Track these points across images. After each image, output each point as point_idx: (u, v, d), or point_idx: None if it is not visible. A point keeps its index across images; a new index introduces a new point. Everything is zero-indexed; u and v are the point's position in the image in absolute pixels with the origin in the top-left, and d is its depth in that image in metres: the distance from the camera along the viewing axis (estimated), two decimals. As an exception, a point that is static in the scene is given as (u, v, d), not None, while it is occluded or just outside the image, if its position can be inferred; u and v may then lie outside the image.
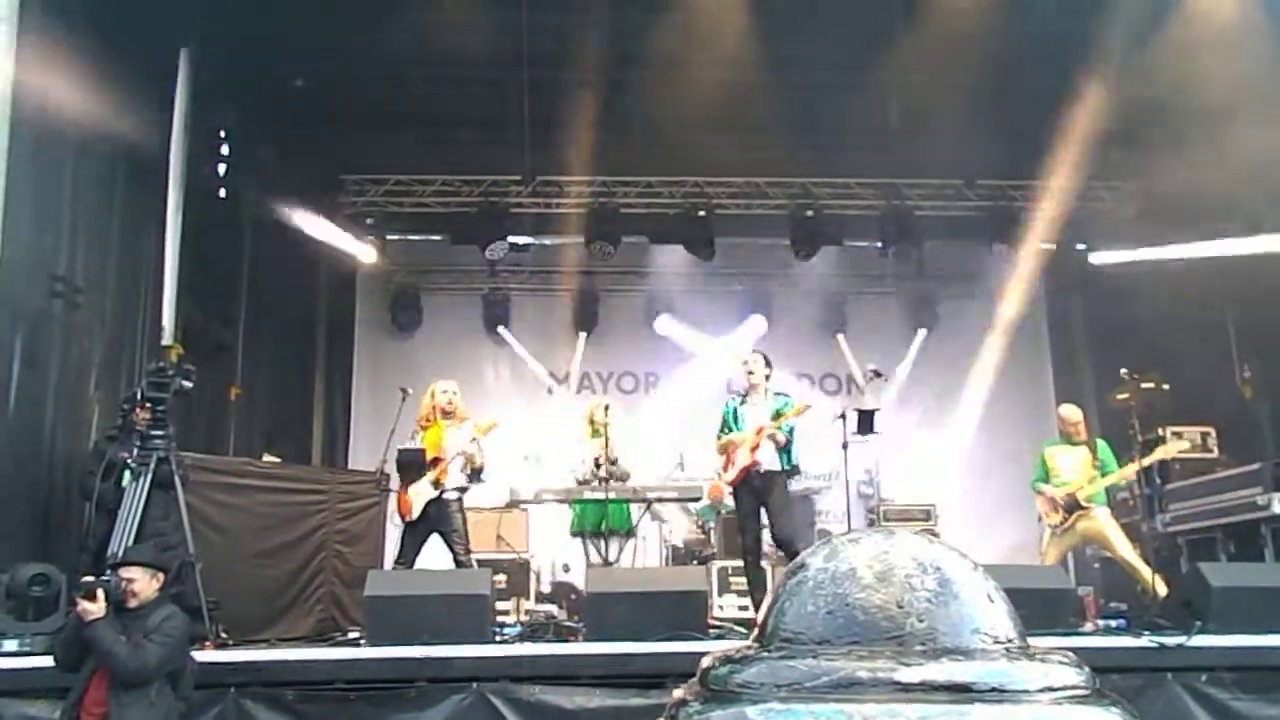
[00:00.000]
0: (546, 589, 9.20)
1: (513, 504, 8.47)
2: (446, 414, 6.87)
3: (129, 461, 5.39)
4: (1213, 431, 8.95)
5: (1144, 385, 9.20)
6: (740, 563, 7.21)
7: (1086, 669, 1.34)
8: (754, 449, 6.60)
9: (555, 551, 9.30)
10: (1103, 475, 7.43)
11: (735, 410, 6.89)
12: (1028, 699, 1.26)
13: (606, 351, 12.44)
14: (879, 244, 11.65)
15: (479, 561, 7.04)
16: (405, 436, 7.06)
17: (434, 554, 6.85)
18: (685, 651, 4.93)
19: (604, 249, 11.12)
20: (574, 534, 8.08)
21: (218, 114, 9.23)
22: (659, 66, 8.91)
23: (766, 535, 6.76)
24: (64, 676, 4.13)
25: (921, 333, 12.41)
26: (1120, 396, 9.03)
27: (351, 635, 6.39)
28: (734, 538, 7.70)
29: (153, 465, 5.29)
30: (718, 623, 7.01)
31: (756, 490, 6.63)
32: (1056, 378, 12.36)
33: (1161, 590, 6.58)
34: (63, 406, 6.77)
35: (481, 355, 12.26)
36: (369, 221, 11.28)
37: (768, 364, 6.95)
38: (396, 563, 6.75)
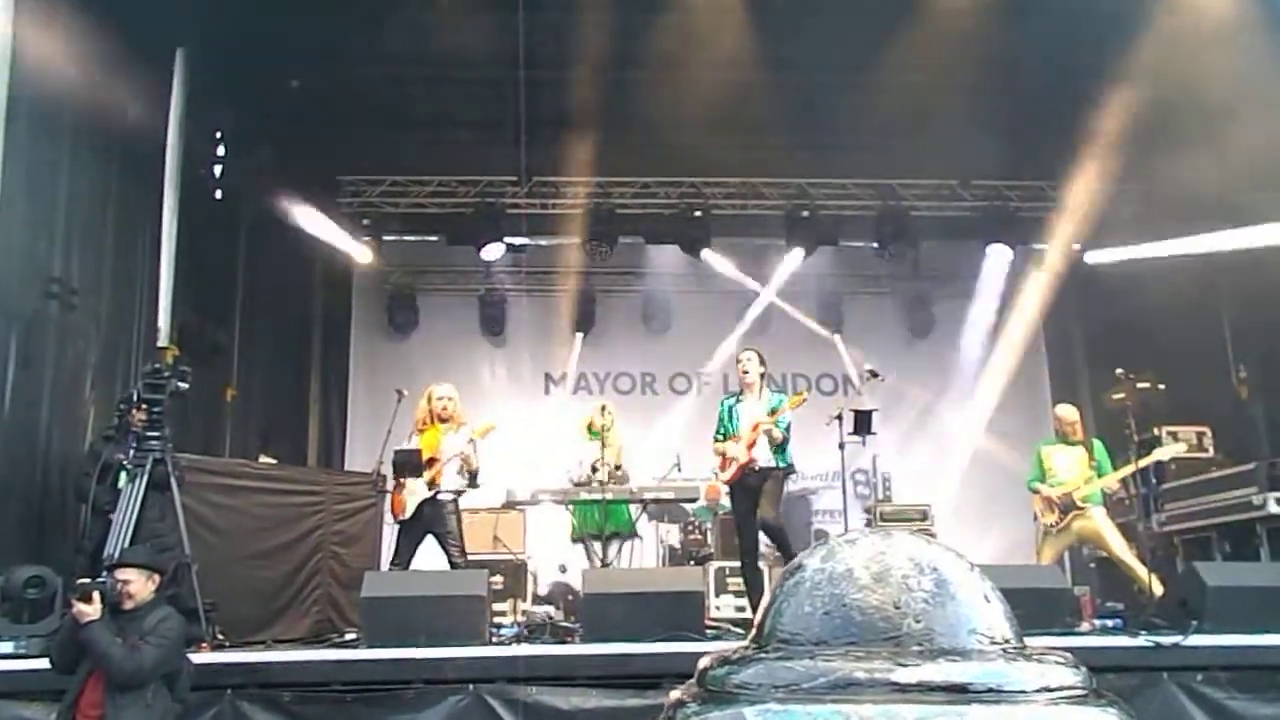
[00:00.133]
0: (543, 590, 9.19)
1: (510, 505, 8.46)
2: (443, 419, 6.85)
3: (125, 463, 5.38)
4: (1208, 431, 8.97)
5: (1140, 385, 9.20)
6: (737, 563, 7.21)
7: (1083, 669, 1.34)
8: (750, 445, 6.60)
9: (552, 552, 9.29)
10: (1099, 475, 7.44)
11: (731, 409, 6.88)
12: (1025, 699, 1.26)
13: (603, 352, 12.45)
14: (875, 244, 11.66)
15: (475, 563, 7.04)
16: (401, 438, 7.05)
17: (431, 555, 6.84)
18: (682, 652, 4.93)
19: (600, 250, 11.12)
20: (575, 540, 8.03)
21: (214, 114, 9.23)
22: (655, 67, 8.91)
23: (764, 536, 6.76)
24: (60, 679, 4.13)
25: (918, 333, 12.42)
26: (1116, 396, 9.04)
27: (348, 636, 6.38)
28: (731, 538, 7.70)
29: (149, 467, 5.29)
30: (715, 623, 7.02)
31: (752, 489, 6.61)
32: (1052, 377, 12.38)
33: (1157, 590, 6.60)
34: (58, 408, 6.76)
35: (477, 356, 12.26)
36: (365, 222, 11.27)
37: (762, 362, 6.94)
38: (392, 564, 6.74)
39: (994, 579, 1.43)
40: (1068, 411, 7.85)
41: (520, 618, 7.97)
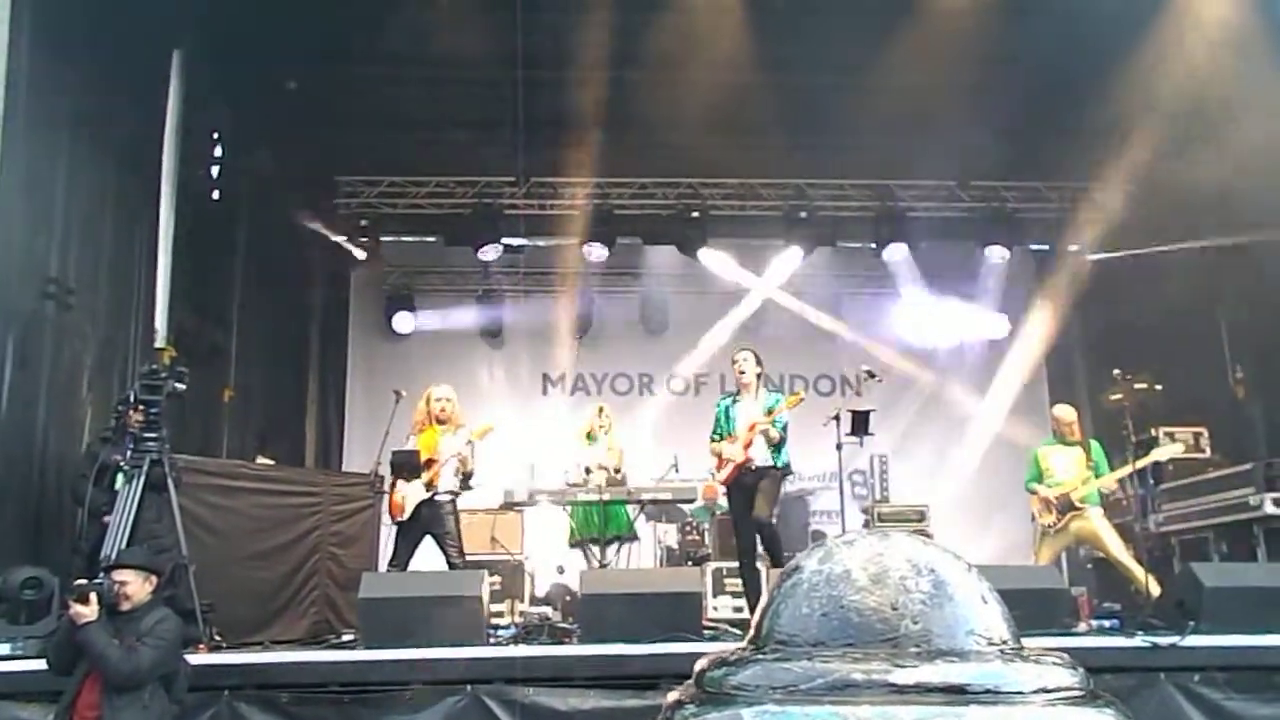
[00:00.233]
0: (541, 591, 9.19)
1: (507, 506, 8.45)
2: (441, 421, 6.85)
3: (122, 464, 5.37)
4: (1205, 432, 8.97)
5: (1137, 386, 9.22)
6: (735, 564, 7.21)
7: (1081, 670, 1.34)
8: (747, 445, 6.59)
9: (550, 553, 9.29)
10: (1096, 476, 7.45)
11: (727, 409, 6.88)
12: (1022, 700, 1.26)
13: (601, 353, 12.45)
14: (872, 245, 11.66)
15: (473, 563, 7.03)
16: (399, 439, 7.05)
17: (429, 556, 6.84)
18: (680, 653, 4.94)
19: (598, 250, 11.12)
20: (573, 545, 8.01)
21: (211, 115, 9.22)
22: (653, 68, 8.92)
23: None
24: (57, 680, 4.12)
25: (915, 334, 12.43)
26: (1113, 397, 9.05)
27: (346, 637, 6.37)
28: (729, 539, 7.70)
29: (146, 468, 5.28)
30: (712, 624, 7.03)
31: (749, 489, 6.61)
32: (1050, 378, 12.39)
33: (1154, 590, 6.61)
34: (55, 408, 6.75)
35: (475, 357, 12.26)
36: (363, 223, 11.28)
37: (759, 362, 6.93)
38: (390, 565, 6.73)
39: (991, 580, 1.43)
40: (1065, 412, 7.85)
41: (518, 618, 7.97)
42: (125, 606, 4.08)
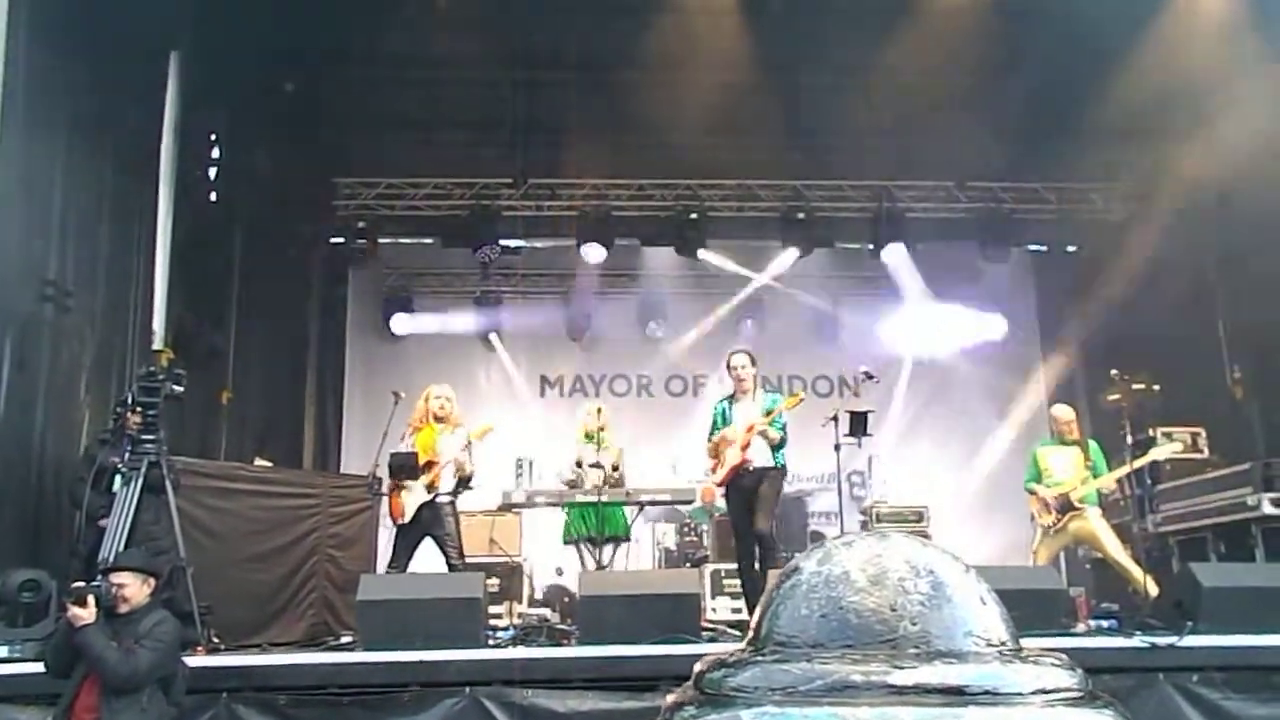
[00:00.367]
0: (540, 592, 9.19)
1: (505, 507, 8.45)
2: (439, 419, 6.84)
3: (120, 466, 5.36)
4: (1203, 432, 8.99)
5: (1135, 386, 9.23)
6: (733, 565, 7.20)
7: (1079, 671, 1.34)
8: (744, 447, 6.58)
9: (548, 555, 9.29)
10: (1094, 476, 7.45)
11: (725, 411, 6.87)
12: (1021, 701, 1.26)
13: (599, 354, 12.45)
14: (870, 245, 11.67)
15: (472, 565, 7.03)
16: (398, 440, 7.04)
17: (427, 558, 6.83)
18: (679, 654, 4.94)
19: (596, 252, 11.12)
20: (567, 542, 8.02)
21: (209, 116, 9.20)
22: (650, 69, 8.93)
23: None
24: (55, 683, 4.11)
25: (913, 335, 12.44)
26: (1111, 397, 9.06)
27: (344, 639, 6.37)
28: (727, 540, 7.70)
29: (144, 470, 5.27)
30: (711, 625, 7.02)
31: (747, 489, 6.60)
32: (1048, 378, 12.41)
33: (1153, 590, 6.61)
34: (53, 410, 6.74)
35: (473, 359, 12.26)
36: (361, 225, 11.27)
37: (754, 363, 6.92)
38: (389, 566, 6.72)
39: (990, 580, 1.43)
40: (1064, 412, 7.86)
41: (516, 620, 7.98)
42: (123, 609, 4.07)
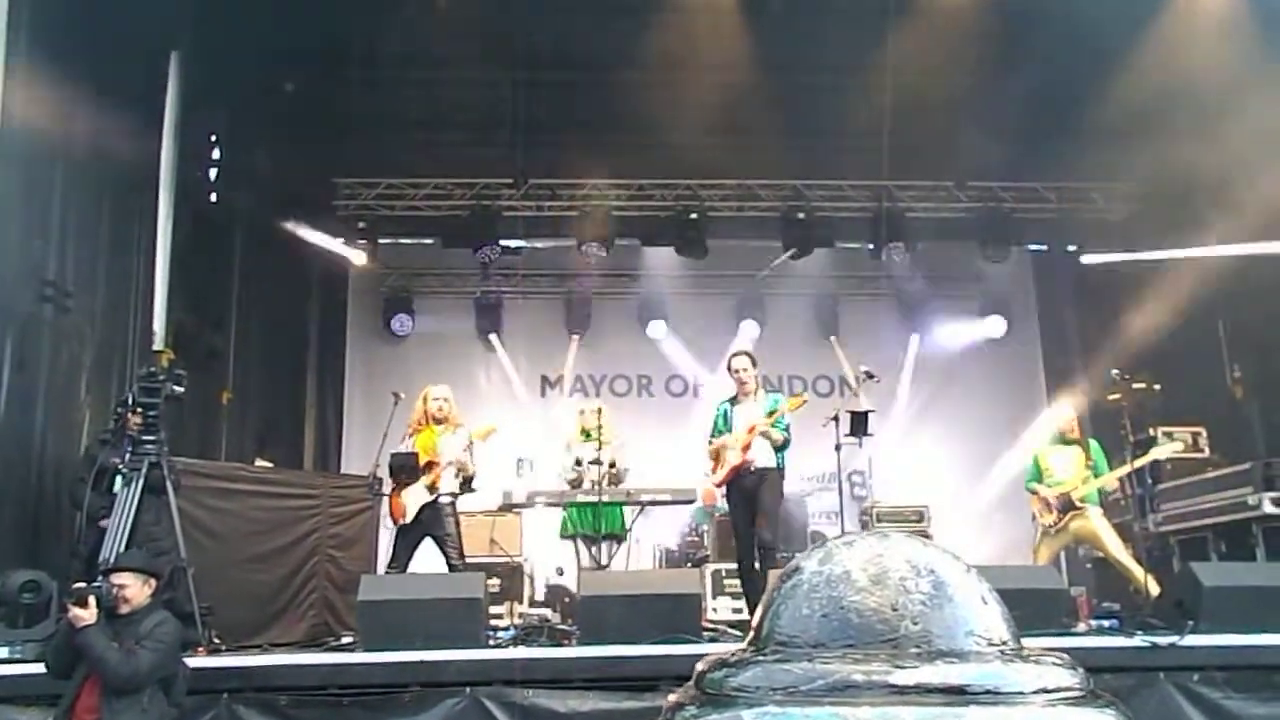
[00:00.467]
0: (540, 593, 9.18)
1: (506, 508, 8.45)
2: (438, 421, 6.84)
3: (120, 467, 5.37)
4: (1203, 431, 8.98)
5: (1135, 385, 9.22)
6: (734, 565, 7.20)
7: (1080, 670, 1.34)
8: (745, 448, 6.58)
9: (549, 555, 9.28)
10: (1095, 475, 7.45)
11: (726, 412, 6.86)
12: (1022, 701, 1.26)
13: (599, 354, 12.44)
14: (870, 245, 11.67)
15: (472, 565, 7.02)
16: (398, 441, 7.04)
17: (427, 558, 6.83)
18: (679, 654, 4.94)
19: (596, 251, 11.12)
20: (564, 537, 8.04)
21: (208, 117, 9.21)
22: (650, 69, 8.91)
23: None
24: (56, 683, 4.11)
25: (914, 334, 12.45)
26: (1112, 397, 9.05)
27: (345, 640, 6.36)
28: (727, 541, 7.69)
29: (144, 470, 5.27)
30: (712, 625, 7.02)
31: (748, 490, 6.59)
32: (1049, 378, 12.40)
33: (1154, 590, 6.61)
34: (53, 411, 6.74)
35: (474, 359, 12.25)
36: (361, 225, 11.26)
37: (754, 364, 6.91)
38: (389, 567, 6.72)
39: (991, 580, 1.43)
40: (1064, 411, 7.86)
41: (517, 620, 7.97)
42: (124, 609, 4.07)
